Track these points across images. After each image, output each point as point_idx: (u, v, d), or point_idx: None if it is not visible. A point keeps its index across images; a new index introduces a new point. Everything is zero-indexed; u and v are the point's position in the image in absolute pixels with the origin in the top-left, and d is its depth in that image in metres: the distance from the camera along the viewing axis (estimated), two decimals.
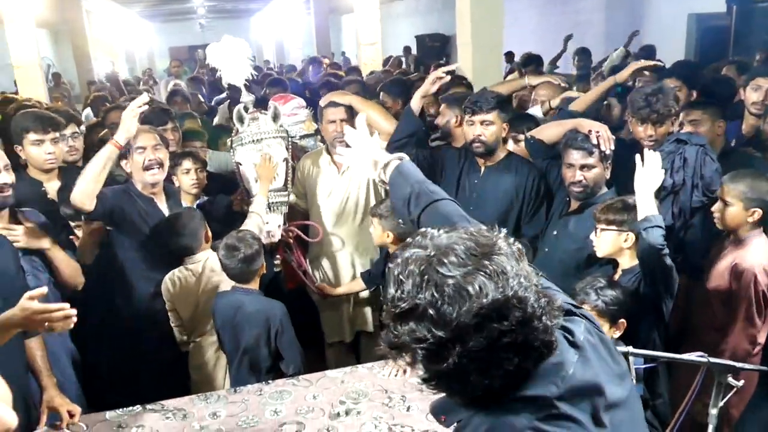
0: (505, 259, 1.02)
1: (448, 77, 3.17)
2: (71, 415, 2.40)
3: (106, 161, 2.77)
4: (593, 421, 1.07)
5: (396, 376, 2.57)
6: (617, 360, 1.19)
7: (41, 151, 3.08)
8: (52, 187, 3.12)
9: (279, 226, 3.25)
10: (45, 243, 2.67)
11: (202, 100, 6.99)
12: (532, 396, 1.03)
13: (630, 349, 2.00)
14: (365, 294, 3.61)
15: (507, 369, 1.00)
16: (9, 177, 2.59)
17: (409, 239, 1.09)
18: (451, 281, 0.98)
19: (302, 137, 3.93)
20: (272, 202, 3.27)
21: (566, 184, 2.90)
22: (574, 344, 1.11)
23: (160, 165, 3.01)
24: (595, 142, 2.81)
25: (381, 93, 4.57)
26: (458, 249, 1.02)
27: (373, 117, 3.41)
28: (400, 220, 3.02)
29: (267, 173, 3.18)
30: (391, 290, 1.03)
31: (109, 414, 2.46)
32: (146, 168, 2.97)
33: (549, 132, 3.16)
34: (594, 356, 1.13)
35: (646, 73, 4.11)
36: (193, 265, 2.95)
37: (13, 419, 0.72)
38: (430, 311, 0.98)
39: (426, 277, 1.00)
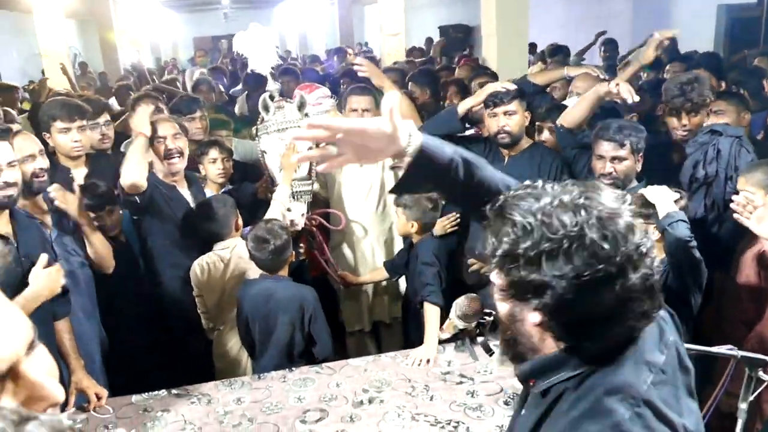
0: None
1: (510, 88, 3.13)
2: (98, 398, 2.46)
3: (142, 147, 2.86)
4: None
5: (419, 365, 2.57)
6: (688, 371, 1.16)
7: (68, 138, 3.12)
8: (79, 173, 3.16)
9: (302, 214, 3.26)
10: (81, 217, 2.73)
11: (223, 90, 7.02)
12: (647, 360, 1.04)
13: None
14: (385, 284, 3.61)
15: (631, 322, 1.01)
16: (44, 162, 2.64)
17: (514, 193, 1.07)
18: (611, 224, 0.98)
19: None
20: (296, 191, 3.28)
21: (596, 177, 2.86)
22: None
23: (181, 154, 3.07)
24: (615, 91, 2.77)
25: (410, 83, 4.54)
26: (605, 194, 1.03)
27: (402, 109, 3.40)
28: (425, 209, 3.02)
29: (290, 163, 3.19)
30: (522, 231, 1.00)
31: (135, 397, 2.50)
32: (167, 157, 3.04)
33: (574, 113, 3.13)
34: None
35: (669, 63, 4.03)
36: (222, 251, 2.97)
37: (61, 394, 0.72)
38: (593, 248, 0.97)
39: (585, 210, 0.99)
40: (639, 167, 2.84)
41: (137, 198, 2.85)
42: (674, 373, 1.10)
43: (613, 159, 2.78)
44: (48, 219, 2.77)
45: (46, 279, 2.24)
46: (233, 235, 3.01)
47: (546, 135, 3.40)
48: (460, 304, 2.10)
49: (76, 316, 2.75)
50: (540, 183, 1.08)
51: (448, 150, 1.30)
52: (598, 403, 1.00)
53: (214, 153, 3.42)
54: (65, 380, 2.46)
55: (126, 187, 2.81)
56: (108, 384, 2.63)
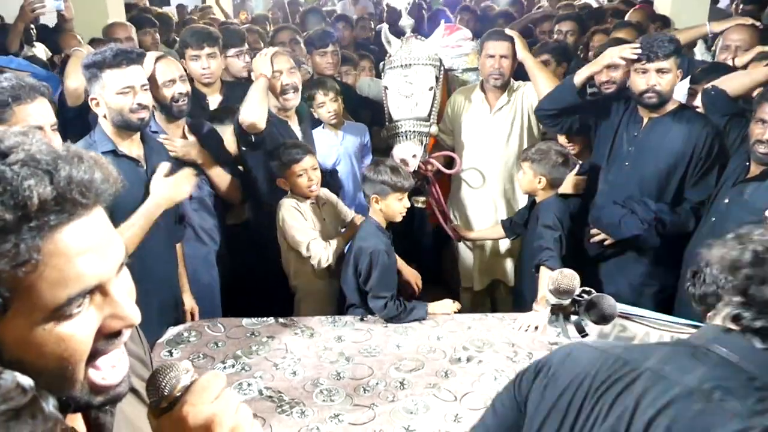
0: None
1: (634, 57, 2.82)
2: (192, 316, 2.72)
3: (264, 88, 2.86)
4: None
5: (526, 331, 2.47)
6: None
7: (198, 65, 3.18)
8: (214, 100, 3.27)
9: (414, 155, 3.17)
10: (198, 157, 2.82)
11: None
12: None
13: None
14: (506, 243, 3.48)
15: None
16: (184, 87, 2.74)
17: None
18: None
19: (464, 71, 3.80)
20: (412, 131, 3.20)
21: (751, 143, 2.54)
22: None
23: (295, 89, 3.05)
24: None
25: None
26: None
27: (536, 74, 3.21)
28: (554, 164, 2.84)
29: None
30: None
31: (245, 321, 2.62)
32: (282, 92, 3.03)
33: (736, 82, 2.79)
34: None
35: None
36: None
37: (137, 316, 0.77)
38: None
39: None
40: None
41: (253, 137, 2.88)
42: None
43: None
44: None
45: (166, 186, 2.34)
46: None
47: (698, 101, 3.05)
48: (553, 277, 1.96)
49: (199, 240, 2.91)
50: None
51: None
52: None
53: (320, 97, 3.37)
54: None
55: (245, 126, 2.84)
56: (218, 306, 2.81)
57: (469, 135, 3.46)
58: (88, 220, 0.71)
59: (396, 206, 2.69)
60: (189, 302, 2.75)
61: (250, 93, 2.84)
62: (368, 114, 3.66)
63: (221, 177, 2.93)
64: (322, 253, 2.79)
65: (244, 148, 2.96)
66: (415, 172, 3.24)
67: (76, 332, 0.71)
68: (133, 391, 0.90)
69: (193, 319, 2.72)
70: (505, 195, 3.48)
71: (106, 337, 0.74)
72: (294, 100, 3.08)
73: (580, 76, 2.92)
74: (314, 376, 2.24)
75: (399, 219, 2.75)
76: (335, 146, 3.43)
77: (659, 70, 2.76)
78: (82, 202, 0.70)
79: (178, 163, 2.57)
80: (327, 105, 3.37)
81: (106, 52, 2.25)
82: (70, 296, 0.69)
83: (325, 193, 3.05)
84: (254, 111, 2.80)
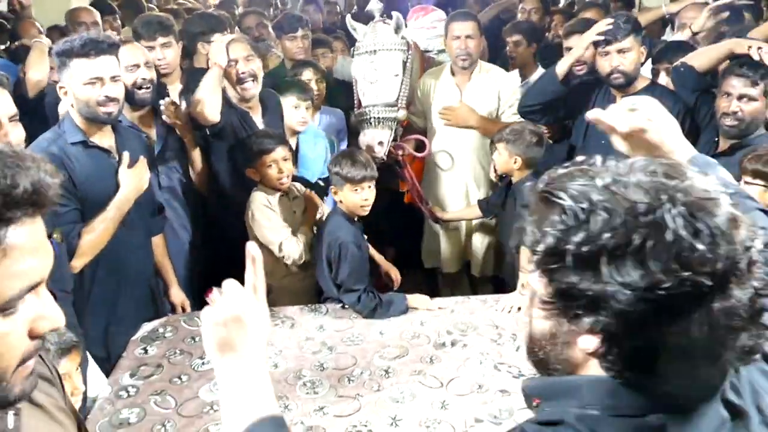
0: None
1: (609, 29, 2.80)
2: (183, 310, 2.64)
3: (217, 79, 2.76)
4: None
5: (509, 312, 2.45)
6: None
7: (152, 56, 2.96)
8: (174, 89, 3.14)
9: (381, 143, 3.12)
10: (186, 131, 2.76)
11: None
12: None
13: None
14: (476, 224, 3.48)
15: (726, 358, 0.75)
16: (148, 74, 2.65)
17: (563, 171, 0.82)
18: (720, 209, 0.72)
19: (439, 52, 3.75)
20: (378, 117, 3.13)
21: (718, 116, 2.58)
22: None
23: (254, 77, 2.88)
24: (757, 57, 2.48)
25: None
26: (696, 182, 0.76)
27: None
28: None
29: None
30: (574, 219, 0.74)
31: None
32: (239, 81, 2.87)
33: (704, 58, 2.81)
34: None
35: None
36: None
37: (62, 319, 0.83)
38: (682, 244, 0.70)
39: (666, 193, 0.72)
40: None
41: (207, 130, 2.78)
42: None
43: (742, 97, 2.49)
44: (153, 133, 2.81)
45: (131, 177, 2.28)
46: None
47: (663, 78, 3.06)
48: None
49: (174, 231, 2.83)
50: (599, 159, 0.81)
51: None
52: None
53: (308, 74, 3.31)
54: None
55: (197, 118, 2.74)
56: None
57: (440, 117, 3.42)
58: (39, 221, 0.78)
59: (352, 198, 2.54)
60: (178, 296, 2.67)
61: (201, 83, 2.73)
62: (344, 98, 3.58)
63: (198, 160, 2.85)
64: (295, 250, 2.67)
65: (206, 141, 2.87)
66: (388, 156, 3.20)
67: (13, 330, 0.76)
68: (39, 405, 0.94)
69: (183, 312, 2.64)
70: (475, 177, 3.46)
71: (32, 338, 0.79)
72: (253, 89, 2.91)
73: (562, 66, 2.92)
74: (296, 367, 2.19)
75: (362, 212, 2.59)
76: (312, 129, 3.35)
77: (620, 51, 2.79)
78: (44, 203, 0.76)
79: (145, 154, 2.48)
80: (312, 83, 3.30)
81: (75, 40, 2.16)
82: (21, 289, 0.75)
83: (297, 187, 2.93)
84: (205, 102, 2.69)
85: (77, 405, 1.56)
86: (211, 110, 2.70)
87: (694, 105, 2.84)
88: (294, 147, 3.07)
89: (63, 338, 1.50)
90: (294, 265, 2.74)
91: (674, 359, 0.73)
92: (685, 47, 3.15)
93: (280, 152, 2.71)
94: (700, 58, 2.83)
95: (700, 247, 0.69)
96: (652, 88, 2.88)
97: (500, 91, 3.37)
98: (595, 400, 0.78)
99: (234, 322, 1.01)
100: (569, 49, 3.18)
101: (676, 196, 0.72)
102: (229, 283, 1.04)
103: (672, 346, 0.72)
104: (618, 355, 0.75)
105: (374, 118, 3.11)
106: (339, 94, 3.67)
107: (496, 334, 2.33)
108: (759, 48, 2.50)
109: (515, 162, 2.86)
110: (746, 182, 2.20)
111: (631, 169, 0.77)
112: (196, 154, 2.88)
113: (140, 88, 2.62)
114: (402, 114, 3.24)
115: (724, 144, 2.61)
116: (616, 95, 2.89)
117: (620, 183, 0.75)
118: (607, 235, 0.71)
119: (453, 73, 3.40)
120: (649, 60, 3.29)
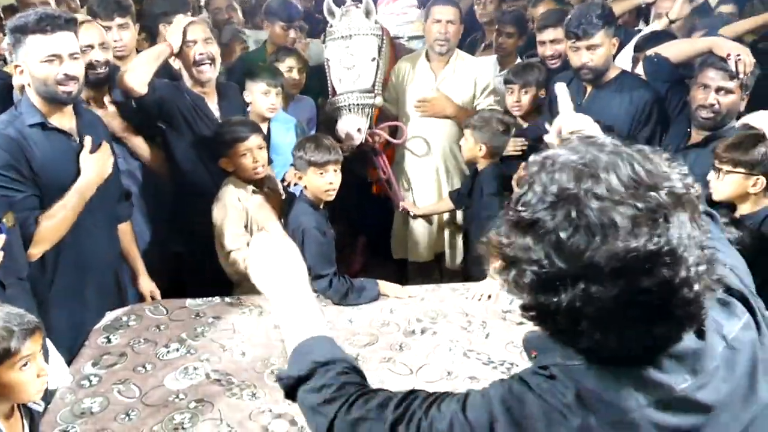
0: (674, 201, 0.80)
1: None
2: (152, 298, 2.57)
3: (159, 54, 2.69)
4: None
5: (479, 300, 2.45)
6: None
7: (109, 37, 2.85)
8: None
9: (359, 129, 3.09)
10: (119, 128, 2.69)
11: None
12: (654, 380, 0.84)
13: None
14: (445, 217, 3.48)
15: (629, 332, 0.81)
16: (102, 55, 2.58)
17: (569, 138, 0.92)
18: (596, 205, 0.78)
19: (410, 38, 3.72)
20: (356, 104, 3.10)
21: (693, 108, 2.59)
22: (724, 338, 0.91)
23: (212, 60, 2.79)
24: (733, 67, 2.47)
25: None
26: (622, 170, 0.80)
27: None
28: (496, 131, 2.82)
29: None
30: (520, 189, 0.86)
31: (189, 302, 2.51)
32: (196, 63, 2.77)
33: (677, 49, 2.81)
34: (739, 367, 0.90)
35: None
36: None
37: None
38: (556, 235, 0.79)
39: (567, 190, 0.80)
40: (743, 107, 2.58)
41: (132, 102, 2.69)
42: None
43: (719, 90, 2.50)
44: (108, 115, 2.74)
45: (93, 163, 2.23)
46: None
47: (641, 68, 3.07)
48: None
49: (136, 218, 2.76)
50: (598, 137, 0.90)
51: None
52: None
53: (290, 62, 3.28)
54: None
55: (121, 87, 2.64)
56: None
57: (414, 105, 3.39)
58: None
59: (316, 181, 2.48)
60: (147, 284, 2.61)
61: (139, 54, 2.66)
62: (316, 84, 3.53)
63: (142, 148, 2.80)
64: (240, 265, 2.55)
65: (162, 126, 2.79)
66: (362, 144, 3.17)
67: None
68: None
69: (152, 300, 2.59)
70: (447, 165, 3.45)
71: None
72: (209, 72, 2.80)
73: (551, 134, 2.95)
74: (264, 355, 2.16)
75: (327, 197, 2.53)
76: (283, 115, 3.29)
77: (590, 47, 2.77)
78: None
79: (108, 138, 2.43)
80: (294, 72, 3.28)
81: (30, 15, 2.07)
82: None
83: (274, 182, 2.87)
84: (133, 72, 2.61)
85: (43, 389, 1.51)
86: (136, 80, 2.59)
87: (666, 95, 2.85)
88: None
89: (25, 319, 1.45)
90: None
91: (575, 319, 0.81)
92: (668, 38, 3.12)
93: (254, 140, 2.62)
94: (674, 50, 2.83)
95: (580, 241, 0.78)
96: (622, 78, 2.90)
97: (476, 78, 3.36)
98: (569, 354, 0.87)
99: (288, 255, 1.26)
100: (542, 42, 3.23)
101: (584, 201, 0.79)
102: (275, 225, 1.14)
103: (570, 312, 0.80)
104: (536, 309, 0.85)
105: (352, 104, 3.08)
106: (311, 80, 3.63)
107: (466, 322, 2.32)
108: (738, 56, 2.47)
109: (480, 149, 2.86)
110: (727, 171, 2.20)
111: (600, 146, 0.84)
112: (137, 143, 2.79)
113: (95, 68, 2.54)
114: (379, 100, 3.23)
115: (697, 136, 2.62)
116: (587, 86, 2.91)
117: (556, 162, 0.83)
118: (525, 212, 0.82)
119: (429, 59, 3.38)
120: (630, 47, 3.30)
